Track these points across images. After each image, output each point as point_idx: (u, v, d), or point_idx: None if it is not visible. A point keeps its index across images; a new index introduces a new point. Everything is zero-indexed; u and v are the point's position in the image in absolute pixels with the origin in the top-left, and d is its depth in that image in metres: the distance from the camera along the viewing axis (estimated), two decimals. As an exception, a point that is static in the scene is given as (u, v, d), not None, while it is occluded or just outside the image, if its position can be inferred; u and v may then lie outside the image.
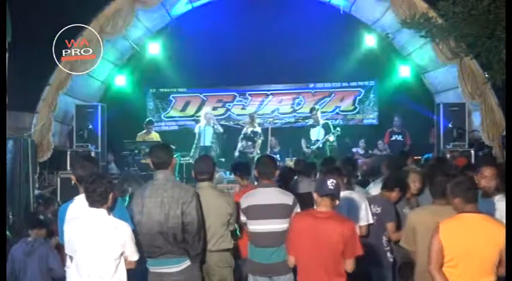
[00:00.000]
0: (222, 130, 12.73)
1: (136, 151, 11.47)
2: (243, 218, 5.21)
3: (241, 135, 12.61)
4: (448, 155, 10.90)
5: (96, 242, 4.10)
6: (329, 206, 4.29)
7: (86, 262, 4.11)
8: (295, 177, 7.47)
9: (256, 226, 5.08)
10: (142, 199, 4.70)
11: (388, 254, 5.52)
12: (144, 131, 12.50)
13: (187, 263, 4.72)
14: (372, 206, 5.59)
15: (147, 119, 13.00)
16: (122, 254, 4.17)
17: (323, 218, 4.25)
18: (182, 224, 4.64)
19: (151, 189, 4.75)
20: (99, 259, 4.10)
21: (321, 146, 11.94)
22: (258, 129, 12.67)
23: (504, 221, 4.18)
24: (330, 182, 4.29)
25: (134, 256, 4.27)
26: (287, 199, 5.11)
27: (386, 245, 5.52)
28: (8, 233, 7.04)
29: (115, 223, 4.20)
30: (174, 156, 11.25)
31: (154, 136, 12.47)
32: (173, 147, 7.29)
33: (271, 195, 5.12)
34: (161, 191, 4.69)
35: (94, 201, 4.17)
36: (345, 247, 4.17)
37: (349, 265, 4.21)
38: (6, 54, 4.69)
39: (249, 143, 12.44)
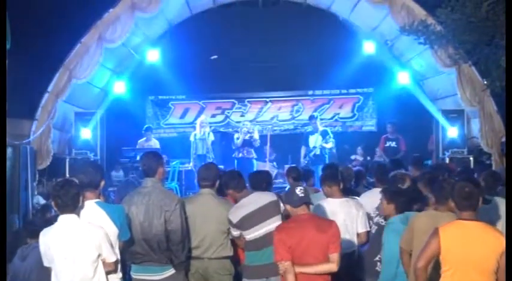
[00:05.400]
0: (213, 138, 12.78)
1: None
2: (235, 232, 5.14)
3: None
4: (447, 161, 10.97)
5: (72, 248, 4.07)
6: (307, 211, 4.37)
7: (65, 269, 4.08)
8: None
9: (254, 233, 5.06)
10: (129, 206, 4.76)
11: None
12: (144, 138, 12.50)
13: (171, 271, 4.77)
14: (378, 217, 5.61)
15: (145, 126, 12.99)
16: (98, 256, 4.13)
17: (307, 220, 4.30)
18: (166, 231, 4.69)
19: (137, 196, 4.83)
20: (76, 264, 4.07)
21: (318, 153, 11.95)
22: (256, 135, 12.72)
23: None
24: (299, 190, 4.33)
25: (111, 257, 4.22)
26: (270, 196, 5.22)
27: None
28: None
29: (88, 226, 4.17)
30: (173, 163, 11.49)
31: (154, 143, 12.45)
32: (164, 156, 7.32)
33: (257, 198, 5.18)
34: (147, 199, 4.76)
35: (65, 206, 4.12)
36: (331, 243, 4.26)
37: (336, 259, 4.25)
38: (6, 61, 4.69)
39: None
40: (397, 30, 10.53)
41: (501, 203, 5.13)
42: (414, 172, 7.14)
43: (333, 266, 4.25)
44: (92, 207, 4.38)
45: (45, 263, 4.25)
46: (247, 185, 5.76)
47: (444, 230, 3.90)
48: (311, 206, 5.22)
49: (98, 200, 4.49)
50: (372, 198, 5.79)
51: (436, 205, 4.64)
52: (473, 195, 3.94)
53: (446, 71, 11.10)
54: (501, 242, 3.83)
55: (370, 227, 5.62)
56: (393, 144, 12.28)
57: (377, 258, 5.45)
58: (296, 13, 12.95)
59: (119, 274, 4.41)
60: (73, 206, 4.15)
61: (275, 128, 14.43)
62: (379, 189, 5.70)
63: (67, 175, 10.79)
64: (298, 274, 4.25)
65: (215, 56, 14.13)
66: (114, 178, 11.96)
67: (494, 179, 5.53)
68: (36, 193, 10.08)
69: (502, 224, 4.79)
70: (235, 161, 12.43)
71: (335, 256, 4.24)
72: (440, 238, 3.86)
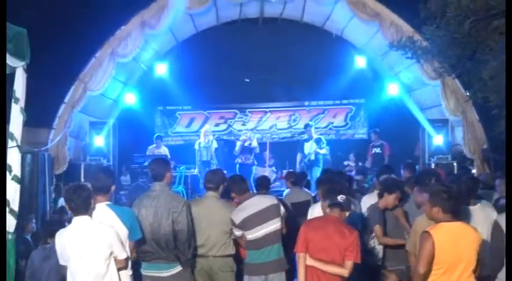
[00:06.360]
0: (216, 145, 12.84)
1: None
2: (238, 232, 5.21)
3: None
4: (433, 166, 10.99)
5: (86, 247, 4.11)
6: (338, 215, 4.46)
7: (80, 267, 4.13)
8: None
9: (255, 234, 5.12)
10: (139, 209, 4.80)
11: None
12: (154, 145, 12.56)
13: (178, 268, 4.79)
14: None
15: (156, 134, 13.08)
16: (111, 254, 4.17)
17: (331, 222, 4.41)
18: (173, 231, 4.72)
19: (147, 199, 4.86)
20: (91, 261, 4.11)
21: (313, 158, 11.99)
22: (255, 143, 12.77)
23: None
24: (340, 197, 4.48)
25: (122, 255, 4.26)
26: (271, 199, 5.37)
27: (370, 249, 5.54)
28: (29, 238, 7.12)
29: (100, 226, 4.22)
30: (180, 168, 11.53)
31: (163, 150, 12.51)
32: (172, 162, 7.42)
33: (258, 201, 5.27)
34: (155, 202, 4.79)
35: (78, 208, 4.17)
36: (347, 251, 4.32)
37: (349, 266, 4.32)
38: (25, 75, 4.76)
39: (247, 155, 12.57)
40: (386, 45, 10.58)
41: (486, 206, 5.17)
42: (406, 175, 7.27)
43: (344, 272, 4.32)
44: (103, 209, 4.43)
45: (61, 262, 4.31)
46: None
47: (435, 232, 3.89)
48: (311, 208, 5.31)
49: (109, 202, 4.53)
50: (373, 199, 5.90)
51: None
52: (453, 196, 4.01)
53: (432, 83, 11.15)
54: (479, 238, 3.93)
55: None
56: (378, 150, 12.38)
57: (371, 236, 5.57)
58: (293, 30, 13.05)
59: (129, 271, 4.46)
60: (85, 209, 4.20)
61: (274, 136, 14.51)
62: None
63: (82, 180, 10.84)
64: (312, 267, 4.35)
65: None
66: (123, 182, 12.01)
67: (474, 183, 5.57)
68: (60, 195, 10.14)
69: (485, 225, 4.79)
70: (237, 166, 12.48)
71: (349, 264, 4.32)
72: (434, 240, 3.84)
